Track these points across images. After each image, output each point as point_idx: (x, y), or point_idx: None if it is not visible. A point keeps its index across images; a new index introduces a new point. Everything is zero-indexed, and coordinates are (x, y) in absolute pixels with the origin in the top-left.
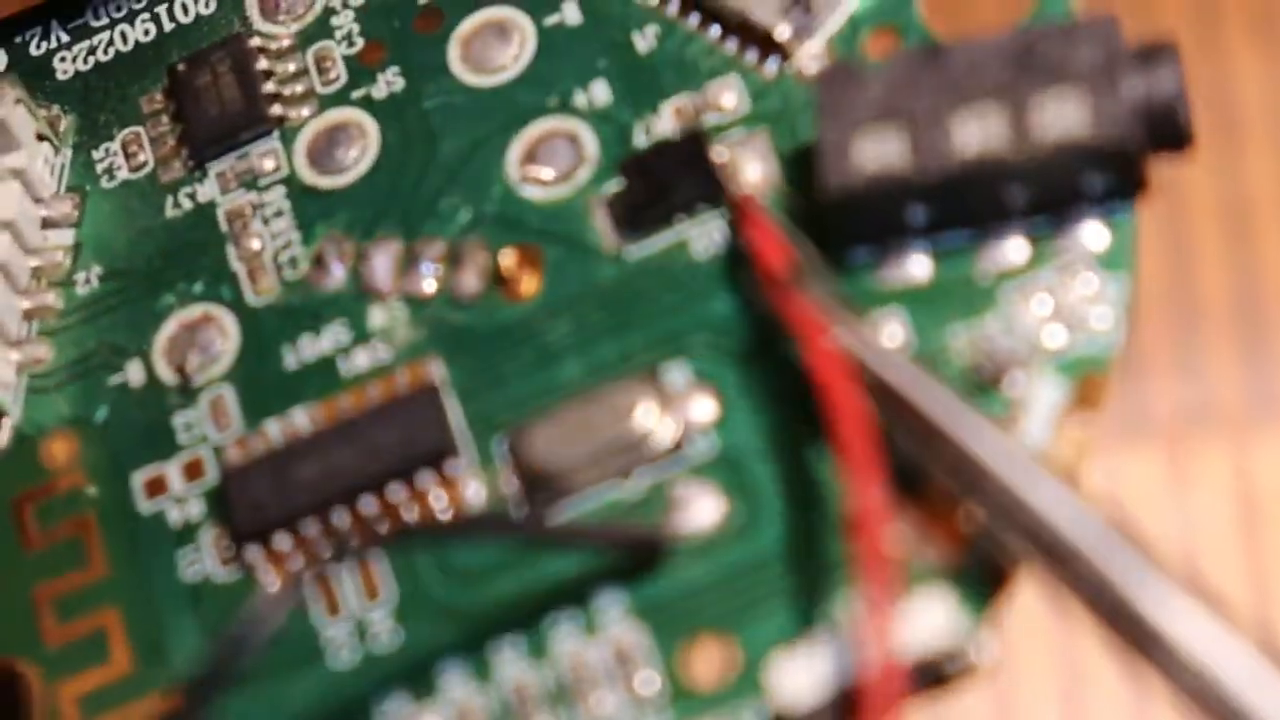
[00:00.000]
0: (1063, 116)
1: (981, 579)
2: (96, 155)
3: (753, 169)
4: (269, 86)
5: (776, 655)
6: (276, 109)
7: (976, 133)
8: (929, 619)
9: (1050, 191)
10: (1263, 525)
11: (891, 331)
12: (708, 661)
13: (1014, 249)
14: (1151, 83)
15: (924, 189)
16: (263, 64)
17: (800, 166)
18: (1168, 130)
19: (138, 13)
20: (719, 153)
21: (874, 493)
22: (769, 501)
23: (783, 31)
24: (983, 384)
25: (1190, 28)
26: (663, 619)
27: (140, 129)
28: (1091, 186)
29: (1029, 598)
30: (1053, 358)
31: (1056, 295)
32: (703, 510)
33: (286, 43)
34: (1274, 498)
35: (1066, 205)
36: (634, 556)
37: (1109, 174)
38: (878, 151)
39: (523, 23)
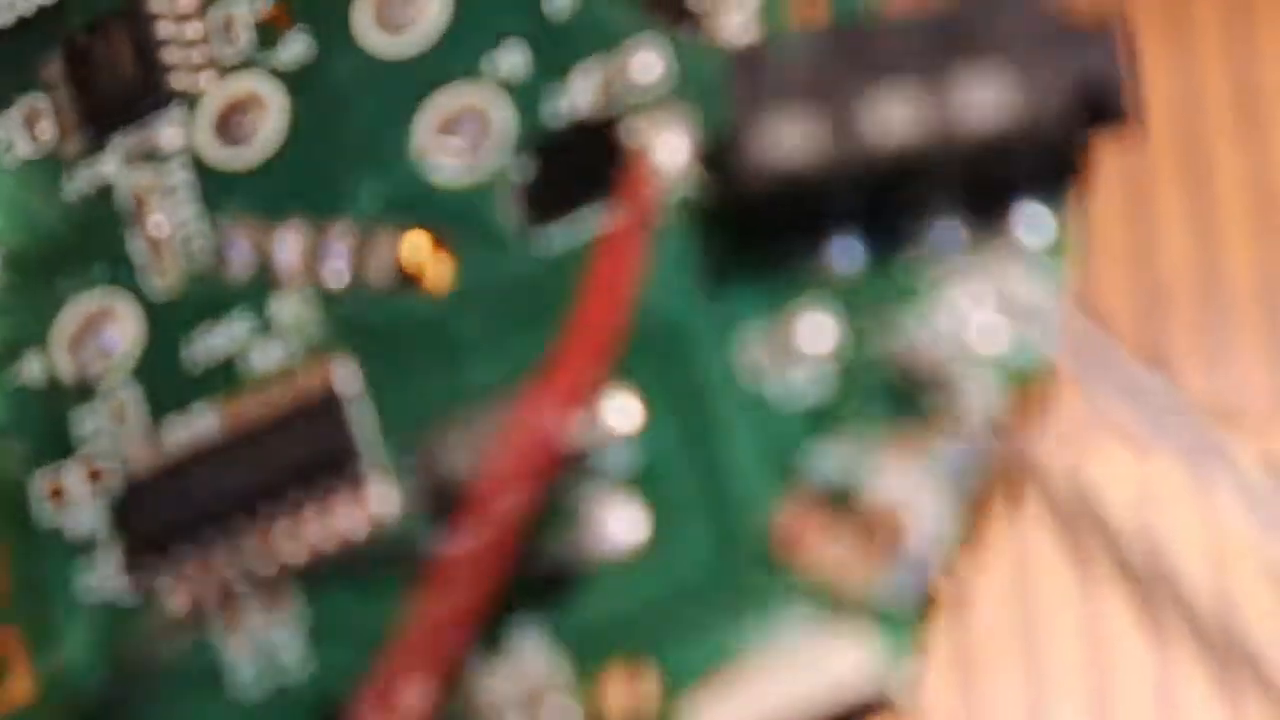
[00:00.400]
0: (989, 98)
1: (907, 608)
2: None
3: (666, 150)
4: (169, 56)
5: (695, 691)
6: (177, 80)
7: (899, 119)
8: (849, 661)
9: (981, 179)
10: None
11: (820, 327)
12: (624, 692)
13: (946, 241)
14: (1086, 57)
15: (846, 181)
16: (163, 31)
17: (716, 149)
18: (1103, 108)
19: None
20: (630, 133)
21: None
22: (692, 519)
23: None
24: (913, 388)
25: (1221, 18)
26: (577, 646)
27: (41, 99)
28: (1024, 173)
29: None
30: (988, 360)
31: (992, 292)
32: (622, 528)
33: (189, 6)
34: None
35: (1000, 194)
36: (547, 582)
37: (1042, 160)
38: (795, 143)
39: None
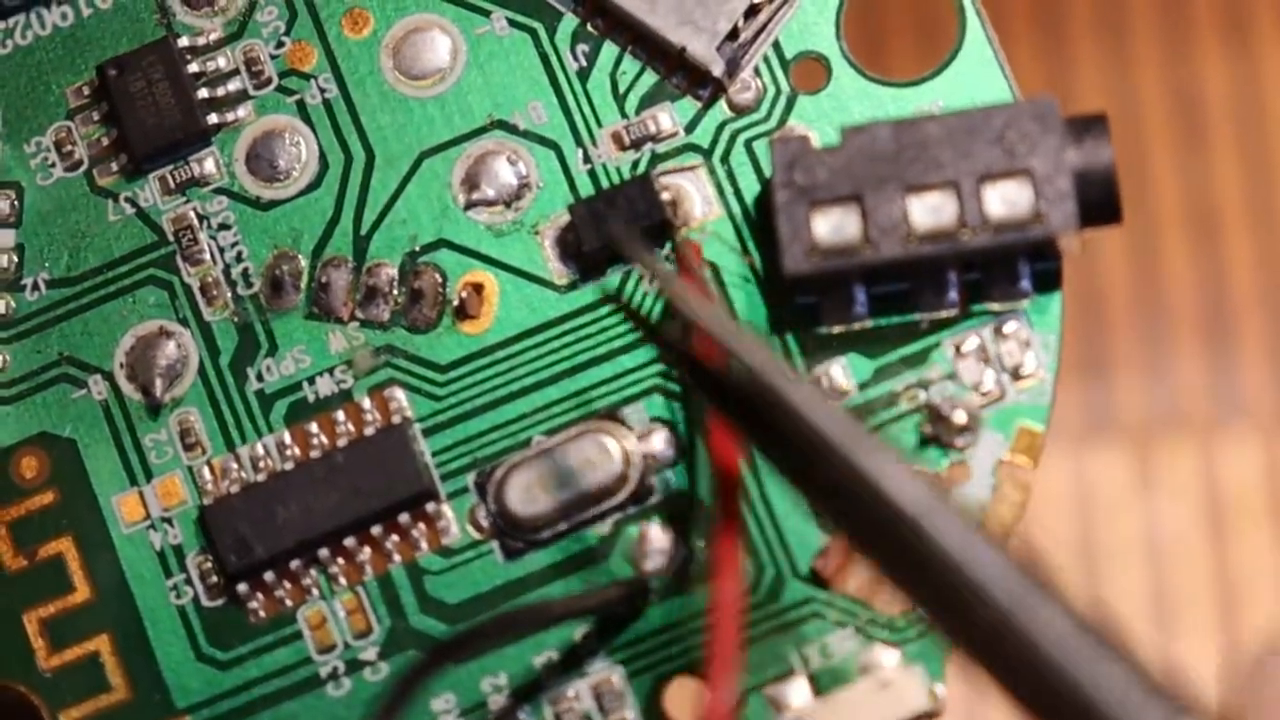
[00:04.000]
0: (1007, 205)
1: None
2: (28, 149)
3: (697, 202)
4: (202, 93)
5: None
6: (213, 117)
7: (926, 220)
8: (902, 692)
9: (989, 268)
10: (1227, 525)
11: (837, 376)
12: (684, 702)
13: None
14: (1086, 159)
15: (875, 269)
16: (193, 67)
17: (744, 204)
18: (1102, 206)
19: None
20: (663, 188)
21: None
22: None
23: (718, 67)
24: (930, 436)
25: (1159, 31)
26: (639, 660)
27: (70, 124)
28: (1026, 264)
29: None
30: (993, 412)
31: (992, 354)
32: (668, 552)
33: (213, 37)
34: (1238, 498)
35: (1003, 279)
36: (621, 608)
37: (1044, 253)
38: (833, 235)
39: (452, 31)
